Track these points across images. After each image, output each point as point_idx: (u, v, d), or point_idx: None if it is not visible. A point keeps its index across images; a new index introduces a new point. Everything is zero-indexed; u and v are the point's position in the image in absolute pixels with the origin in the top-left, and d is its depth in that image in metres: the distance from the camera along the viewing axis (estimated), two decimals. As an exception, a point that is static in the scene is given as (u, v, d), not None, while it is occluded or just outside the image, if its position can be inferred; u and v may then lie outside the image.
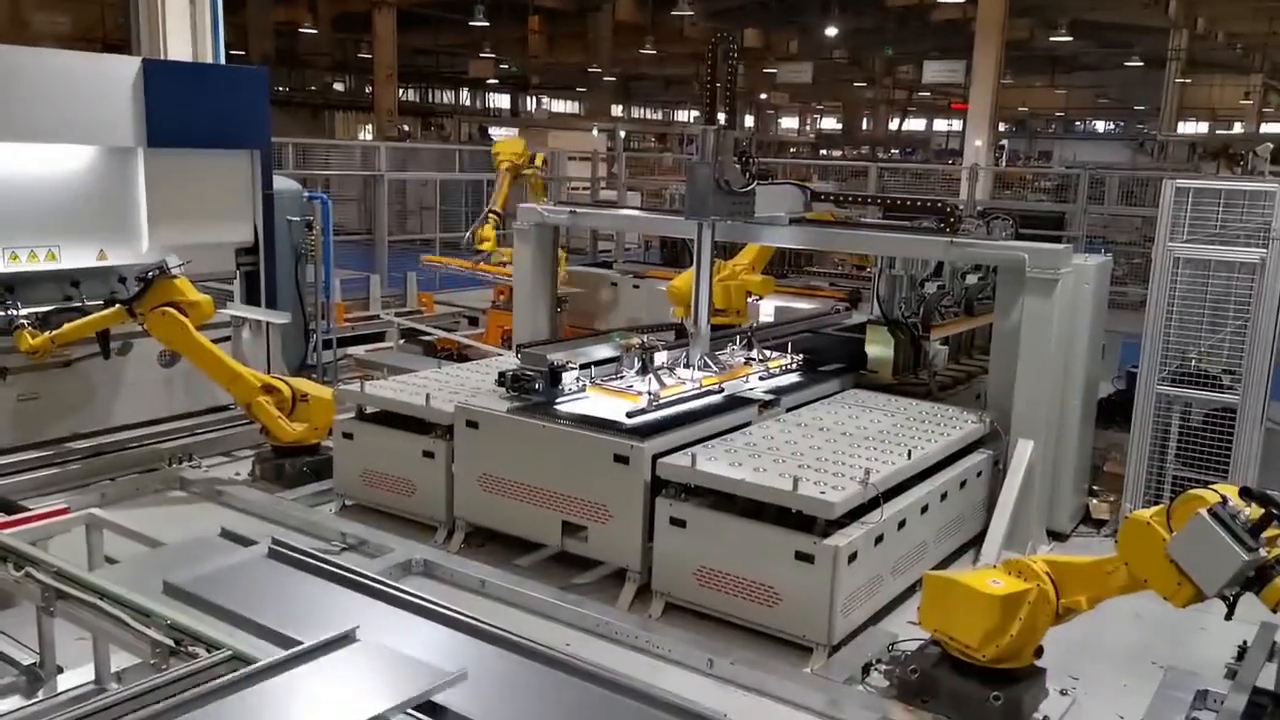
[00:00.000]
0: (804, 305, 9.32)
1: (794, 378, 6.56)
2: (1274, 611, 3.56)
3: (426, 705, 2.94)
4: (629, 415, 5.39)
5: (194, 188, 7.35)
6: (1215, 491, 3.65)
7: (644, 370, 5.93)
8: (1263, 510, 3.54)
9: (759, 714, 4.21)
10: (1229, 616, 3.65)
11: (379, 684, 2.97)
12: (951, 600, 4.13)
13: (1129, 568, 3.84)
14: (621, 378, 5.97)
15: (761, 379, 6.35)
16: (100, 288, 7.03)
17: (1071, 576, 4.04)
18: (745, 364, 6.41)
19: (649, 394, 5.61)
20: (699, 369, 6.14)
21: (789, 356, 6.66)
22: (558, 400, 5.68)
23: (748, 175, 6.19)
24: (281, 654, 3.06)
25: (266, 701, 2.84)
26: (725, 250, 9.52)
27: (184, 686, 2.92)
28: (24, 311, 6.58)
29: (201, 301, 6.44)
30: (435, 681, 2.98)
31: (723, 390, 6.01)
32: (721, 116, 6.09)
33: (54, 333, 6.55)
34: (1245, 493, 3.65)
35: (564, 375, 5.77)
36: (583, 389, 5.80)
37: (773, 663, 4.51)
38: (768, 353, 6.64)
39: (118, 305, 6.46)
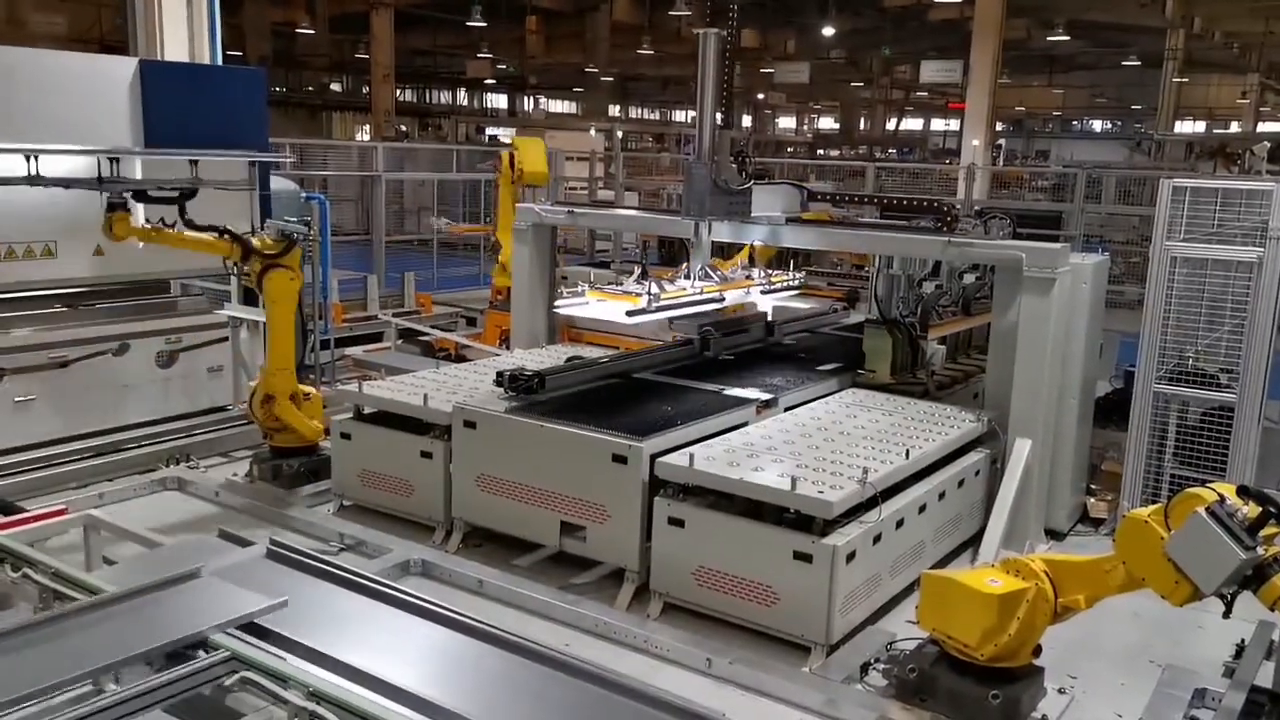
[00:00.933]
0: (801, 305, 9.31)
1: (796, 302, 6.54)
2: (1271, 610, 3.56)
3: (251, 626, 3.41)
4: (629, 314, 5.37)
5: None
6: (1213, 490, 3.65)
7: (644, 276, 5.91)
8: (1260, 509, 3.54)
9: (757, 713, 4.21)
10: (1226, 615, 3.66)
11: (208, 610, 3.42)
12: (950, 599, 4.12)
13: (1127, 566, 3.84)
14: (620, 284, 5.95)
15: (763, 292, 6.36)
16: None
17: (1070, 575, 4.04)
18: (746, 278, 6.39)
19: (649, 295, 5.55)
20: (700, 279, 6.10)
21: (790, 274, 6.65)
22: (556, 304, 5.65)
23: (744, 175, 6.19)
24: (130, 588, 3.51)
25: (110, 628, 3.24)
26: (723, 250, 9.53)
27: (182, 687, 2.93)
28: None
29: (301, 279, 6.43)
30: (255, 606, 3.46)
31: (723, 299, 5.98)
32: (718, 116, 6.08)
33: (152, 227, 6.25)
34: (1243, 491, 3.65)
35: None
36: (582, 293, 5.74)
37: (771, 662, 4.51)
38: (769, 271, 6.63)
39: (235, 240, 6.25)
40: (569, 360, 6.64)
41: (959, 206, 7.75)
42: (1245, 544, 3.49)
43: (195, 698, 3.03)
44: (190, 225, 6.32)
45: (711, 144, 6.00)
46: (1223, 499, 3.59)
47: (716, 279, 6.15)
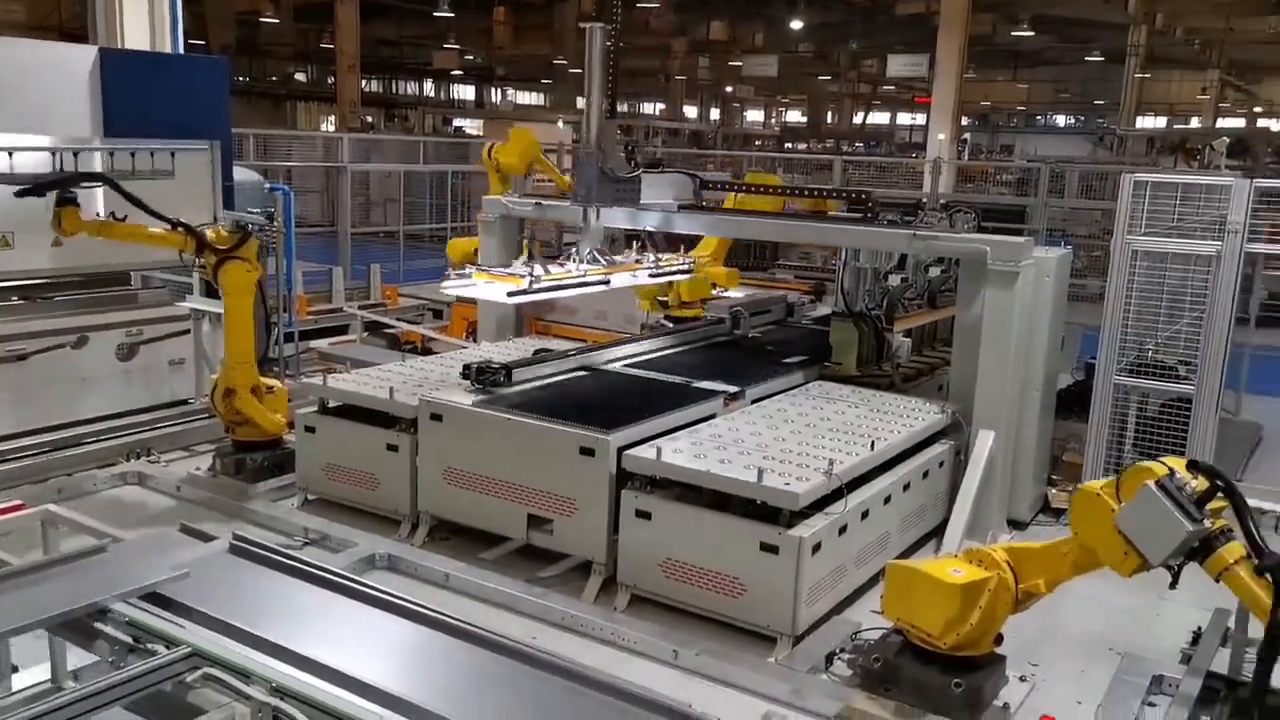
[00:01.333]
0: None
1: (685, 276, 6.95)
2: (1216, 581, 3.65)
3: (153, 596, 3.49)
4: (510, 294, 5.53)
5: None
6: (1163, 464, 3.74)
7: (530, 258, 6.05)
8: (1208, 483, 3.63)
9: (723, 704, 4.22)
10: (1173, 585, 3.75)
11: (111, 580, 3.50)
12: (914, 589, 4.16)
13: (1079, 538, 3.92)
14: (509, 266, 6.04)
15: (651, 275, 6.58)
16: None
17: (1029, 561, 4.10)
18: (636, 261, 6.62)
19: (531, 276, 5.67)
20: (588, 262, 6.27)
21: (681, 258, 6.90)
22: (445, 285, 5.85)
23: (633, 164, 6.45)
24: (34, 561, 3.64)
25: (10, 599, 3.35)
26: (690, 243, 9.55)
27: (142, 684, 2.89)
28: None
29: (259, 271, 6.37)
30: (158, 577, 3.55)
31: (609, 282, 6.19)
32: (604, 106, 6.25)
33: (102, 222, 6.20)
34: (1193, 466, 3.75)
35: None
36: (469, 275, 5.84)
37: (737, 653, 4.53)
38: (663, 254, 6.88)
39: (189, 233, 6.17)
40: (536, 353, 6.63)
41: (870, 192, 8.05)
42: (1193, 516, 3.57)
43: (156, 694, 3.00)
44: (154, 216, 6.22)
45: (599, 133, 6.18)
46: (1172, 472, 3.68)
47: (605, 263, 6.36)
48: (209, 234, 6.24)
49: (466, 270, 5.88)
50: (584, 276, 6.02)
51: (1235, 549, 3.56)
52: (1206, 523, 3.58)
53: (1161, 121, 39.22)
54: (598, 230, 6.43)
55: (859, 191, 7.47)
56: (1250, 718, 3.50)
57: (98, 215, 6.19)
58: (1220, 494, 3.63)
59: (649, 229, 7.48)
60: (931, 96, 24.81)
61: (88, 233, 6.12)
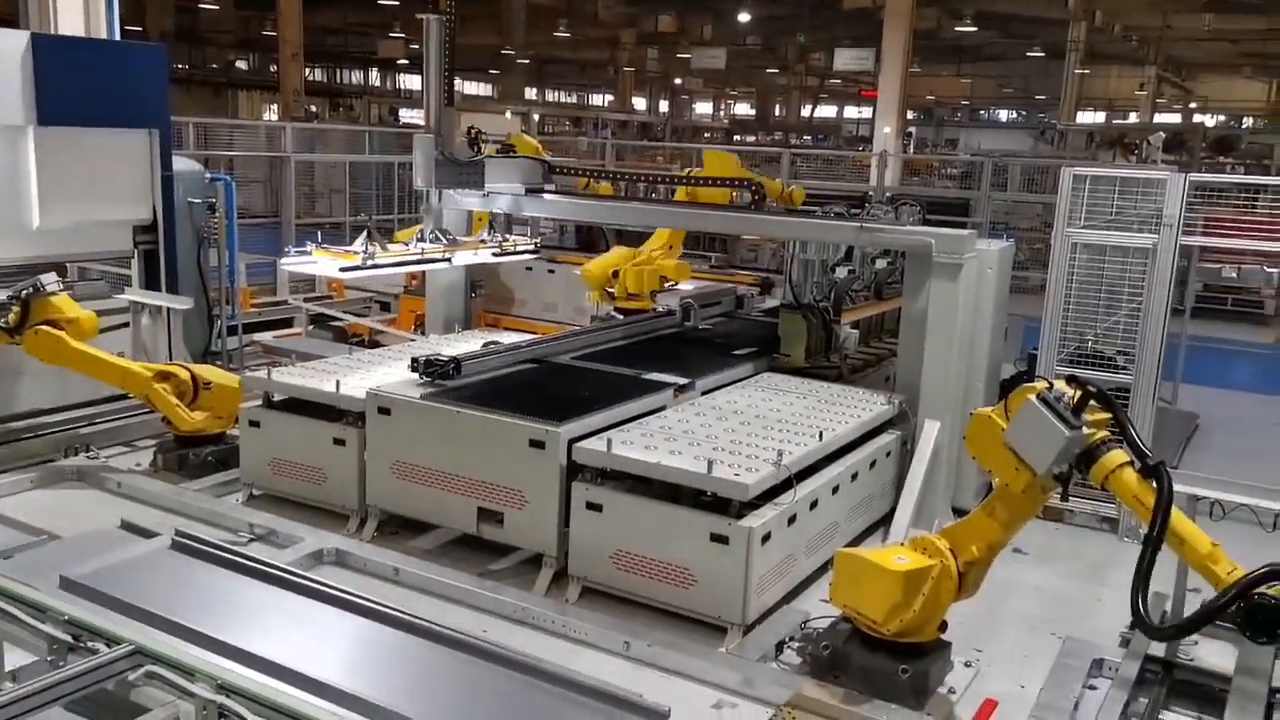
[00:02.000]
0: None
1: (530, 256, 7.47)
2: (1101, 488, 3.85)
3: (93, 593, 3.52)
4: (342, 269, 5.90)
5: (88, 167, 7.07)
6: (1044, 380, 3.98)
7: (369, 237, 6.24)
8: (1081, 391, 3.84)
9: (675, 694, 4.24)
10: (1064, 497, 3.99)
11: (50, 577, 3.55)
12: (860, 577, 4.22)
13: (976, 460, 4.14)
14: (351, 244, 6.24)
15: (495, 255, 6.96)
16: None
17: (961, 533, 4.20)
18: (480, 241, 6.98)
19: (364, 253, 5.95)
20: (430, 241, 6.58)
21: (529, 240, 7.34)
22: (284, 261, 6.26)
23: (475, 149, 6.87)
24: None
25: None
26: (642, 236, 9.59)
27: (84, 683, 2.84)
28: None
29: (82, 318, 6.28)
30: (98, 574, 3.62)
31: (449, 260, 6.56)
32: (434, 93, 6.67)
33: None
34: (1071, 380, 3.95)
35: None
36: (309, 251, 6.10)
37: (688, 643, 4.56)
38: (510, 236, 7.29)
39: None
40: (485, 345, 6.59)
41: (695, 174, 8.50)
42: (1070, 424, 3.76)
43: (98, 693, 2.94)
44: None
45: (437, 119, 6.53)
46: (1051, 386, 3.89)
47: (446, 242, 6.67)
48: (11, 317, 6.15)
49: (307, 247, 6.17)
50: (420, 255, 6.38)
51: (1118, 455, 3.77)
52: (1084, 429, 3.78)
53: (1101, 116, 39.99)
54: (438, 212, 6.84)
55: (685, 177, 7.86)
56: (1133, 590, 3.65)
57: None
58: (1095, 401, 3.83)
59: (497, 211, 7.97)
60: (877, 90, 25.06)
61: None
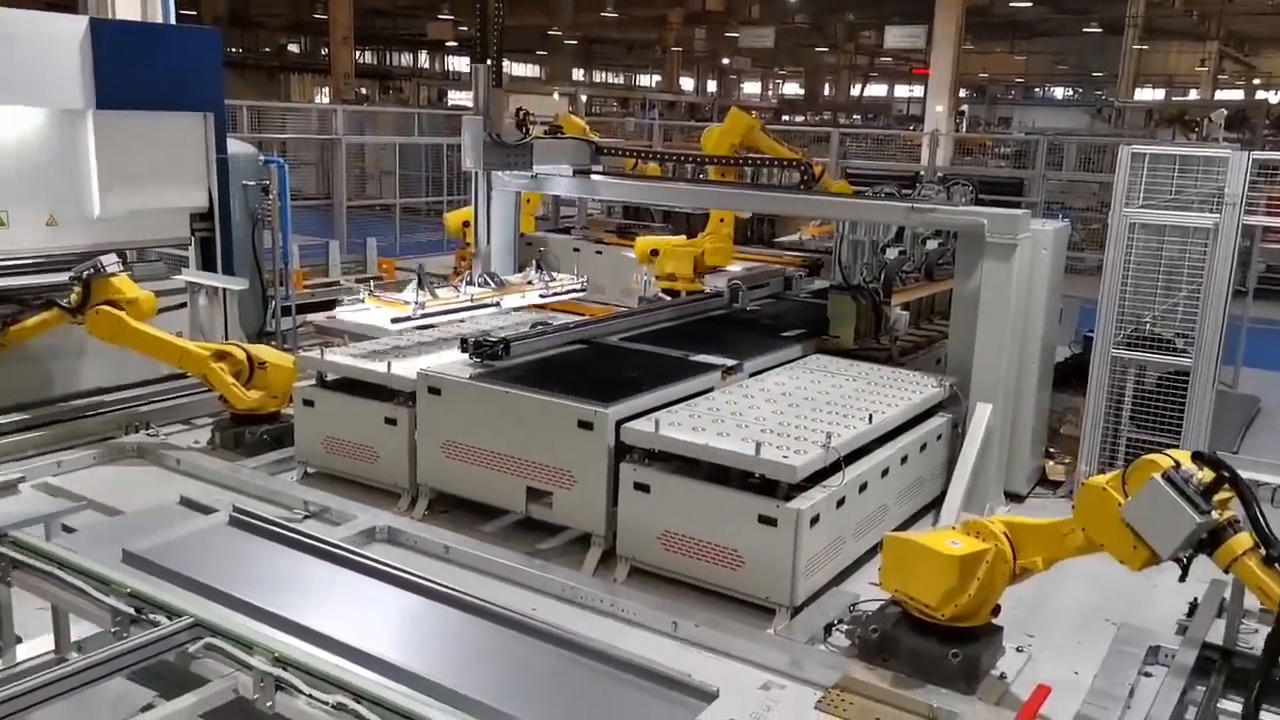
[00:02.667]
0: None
1: (574, 294, 7.24)
2: (1226, 572, 3.65)
3: (154, 567, 3.67)
4: (394, 321, 5.87)
5: (146, 151, 7.20)
6: (1169, 456, 3.72)
7: (420, 285, 6.24)
8: (1214, 474, 3.62)
9: (722, 674, 4.24)
10: (1183, 579, 3.73)
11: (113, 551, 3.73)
12: (911, 561, 4.19)
13: (1086, 533, 3.91)
14: (403, 291, 6.25)
15: (542, 296, 6.85)
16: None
17: (1029, 537, 4.12)
18: (527, 283, 6.85)
19: (415, 304, 5.96)
20: (479, 285, 6.54)
21: (574, 279, 7.18)
22: (338, 311, 6.31)
23: (524, 131, 6.76)
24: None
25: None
26: (701, 223, 9.62)
27: (146, 654, 2.91)
28: None
29: (140, 299, 6.40)
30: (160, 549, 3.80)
31: (499, 304, 6.52)
32: (483, 75, 6.69)
33: (0, 338, 6.53)
34: (1198, 457, 3.72)
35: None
36: (362, 300, 6.19)
37: (736, 624, 4.56)
38: (556, 275, 7.15)
39: (56, 308, 6.39)
40: (534, 326, 6.62)
41: (817, 164, 8.30)
42: (1200, 508, 3.56)
43: (159, 664, 3.02)
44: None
45: (485, 101, 6.49)
46: (1178, 464, 3.66)
47: (495, 285, 6.59)
48: (66, 301, 6.34)
49: (360, 296, 6.30)
50: (470, 301, 6.35)
51: (1244, 540, 3.56)
52: (1214, 514, 3.58)
53: (1160, 93, 39.06)
54: (487, 255, 6.88)
55: (798, 161, 7.67)
56: (1250, 690, 3.52)
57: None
58: (1226, 485, 3.62)
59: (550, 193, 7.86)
60: (929, 68, 24.67)
61: None
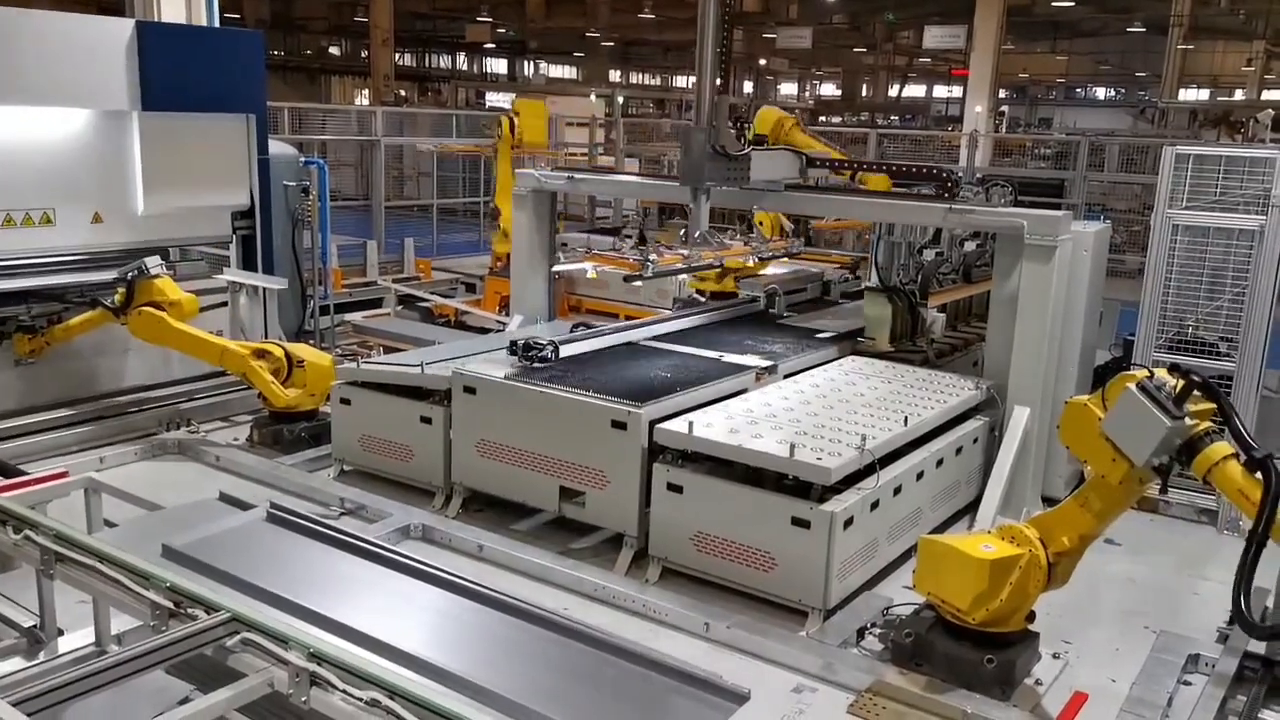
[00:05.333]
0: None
1: (793, 265, 7.00)
2: (1204, 481, 3.71)
3: (193, 562, 3.77)
4: (626, 280, 5.60)
5: (189, 151, 7.31)
6: (1144, 368, 3.84)
7: (641, 241, 5.97)
8: (1184, 381, 3.68)
9: (754, 676, 4.24)
10: (1163, 490, 3.87)
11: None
12: (945, 565, 4.15)
13: (1070, 449, 4.02)
14: (618, 251, 6.03)
15: (760, 258, 6.56)
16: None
17: (1054, 524, 4.09)
18: (745, 244, 6.55)
19: (648, 261, 5.65)
20: (697, 245, 6.17)
21: (789, 240, 6.86)
22: (555, 268, 6.05)
23: (743, 141, 6.15)
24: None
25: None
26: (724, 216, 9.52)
27: (184, 647, 2.95)
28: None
29: (183, 300, 6.49)
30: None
31: (721, 264, 6.20)
32: (716, 81, 6.03)
33: (45, 336, 6.67)
34: (1174, 369, 3.78)
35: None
36: (581, 259, 5.94)
37: (768, 626, 4.54)
38: (768, 238, 6.85)
39: (100, 308, 6.51)
40: (574, 328, 6.62)
41: (960, 174, 7.78)
42: (1172, 414, 3.61)
43: (197, 658, 3.06)
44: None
45: (710, 109, 5.94)
46: (1152, 374, 3.73)
47: (714, 245, 6.16)
48: (110, 301, 6.47)
49: (578, 254, 6.10)
50: (698, 260, 6.02)
51: (1221, 447, 3.62)
52: (1186, 420, 3.63)
53: (1205, 94, 38.45)
54: (705, 213, 6.24)
55: (940, 169, 7.36)
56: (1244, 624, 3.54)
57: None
58: (1199, 391, 3.68)
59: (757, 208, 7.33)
60: (969, 68, 24.47)
61: (33, 351, 6.68)
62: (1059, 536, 4.05)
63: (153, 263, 6.39)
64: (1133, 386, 3.71)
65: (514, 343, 5.83)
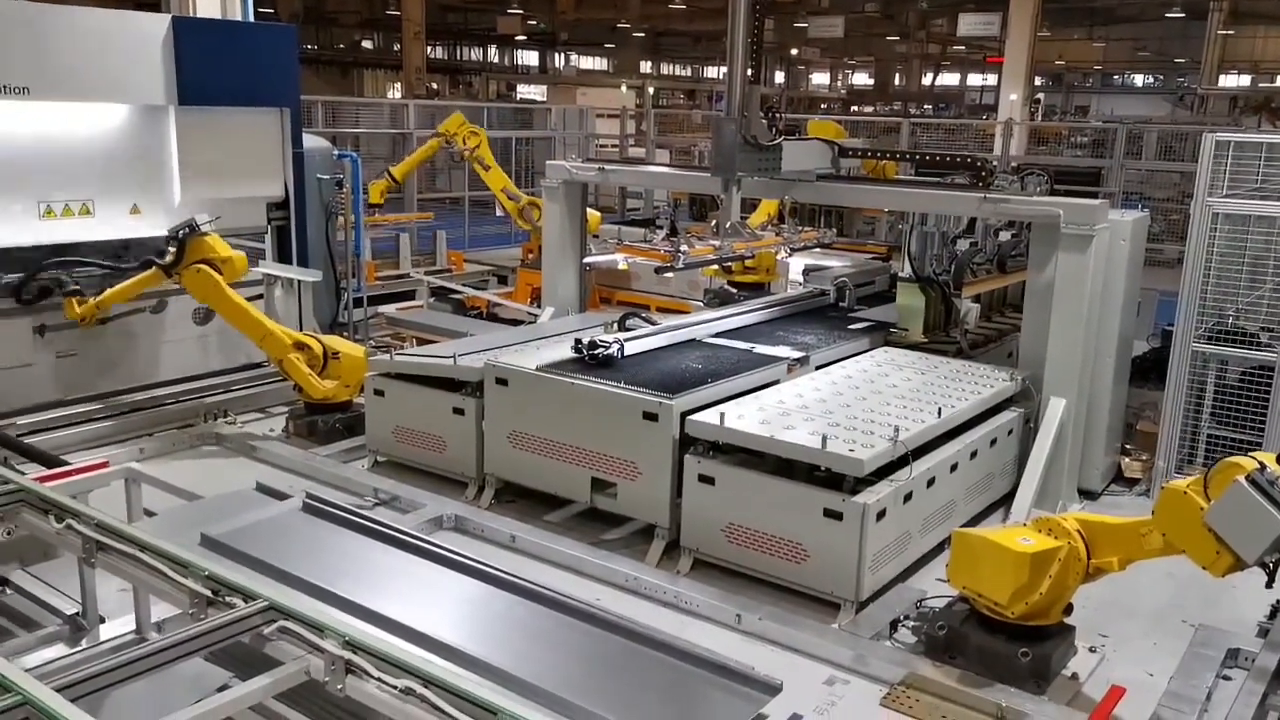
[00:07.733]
0: (836, 263, 9.22)
1: (832, 260, 6.87)
2: None
3: (231, 550, 3.81)
4: (657, 271, 5.49)
5: (225, 146, 7.39)
6: (1253, 458, 3.61)
7: (673, 234, 5.95)
8: None
9: (786, 668, 4.23)
10: (1270, 584, 3.62)
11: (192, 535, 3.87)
12: (980, 558, 4.12)
13: (1166, 538, 3.81)
14: (649, 242, 6.02)
15: (792, 249, 6.47)
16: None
17: (1104, 537, 4.02)
18: (776, 235, 6.50)
19: (679, 252, 5.64)
20: (729, 236, 6.12)
21: (820, 230, 6.75)
22: (586, 260, 5.94)
23: (774, 131, 6.11)
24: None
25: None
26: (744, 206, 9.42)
27: (222, 635, 2.98)
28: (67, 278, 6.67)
29: (234, 258, 6.51)
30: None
31: (752, 255, 6.16)
32: (748, 71, 6.00)
33: (97, 299, 6.68)
34: None
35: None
36: (612, 250, 5.87)
37: (800, 618, 4.54)
38: (800, 226, 6.79)
39: (154, 267, 6.53)
40: (623, 319, 6.55)
41: (995, 162, 7.67)
42: None
43: (234, 646, 3.10)
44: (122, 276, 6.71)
45: (741, 100, 5.91)
46: (1263, 466, 3.55)
47: (746, 236, 6.12)
48: (162, 261, 6.47)
49: (610, 245, 6.04)
50: (729, 251, 6.03)
51: None
52: None
53: (1245, 80, 37.72)
54: (737, 203, 6.24)
55: (974, 158, 7.27)
56: None
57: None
58: None
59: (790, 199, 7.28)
60: (1003, 56, 24.14)
61: (87, 316, 6.70)
62: (1107, 553, 3.98)
63: (202, 219, 6.44)
64: (1243, 480, 3.52)
65: (579, 340, 5.79)
